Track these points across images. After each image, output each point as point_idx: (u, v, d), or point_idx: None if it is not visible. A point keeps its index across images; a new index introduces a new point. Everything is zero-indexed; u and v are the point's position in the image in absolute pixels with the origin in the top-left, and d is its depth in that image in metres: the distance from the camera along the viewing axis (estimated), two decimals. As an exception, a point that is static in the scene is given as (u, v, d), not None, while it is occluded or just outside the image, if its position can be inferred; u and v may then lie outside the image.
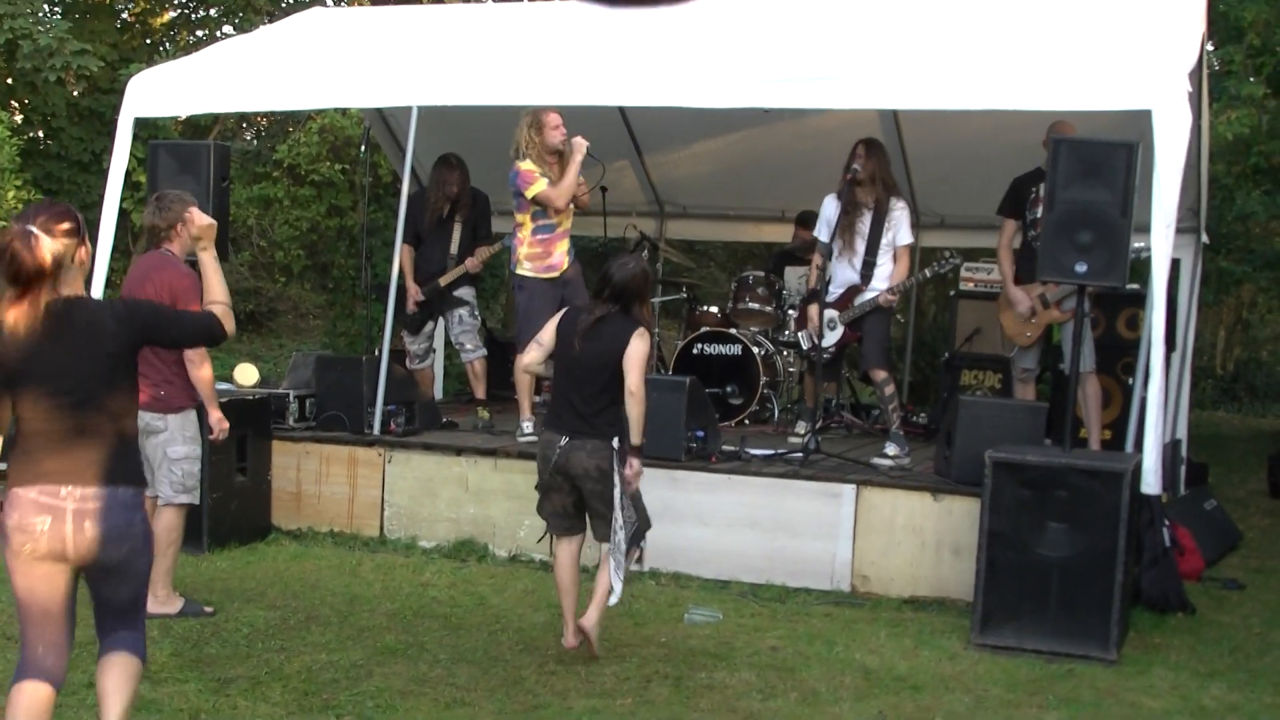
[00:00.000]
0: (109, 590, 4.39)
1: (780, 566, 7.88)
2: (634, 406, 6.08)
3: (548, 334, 6.35)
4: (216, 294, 4.72)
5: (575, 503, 6.31)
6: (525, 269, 9.09)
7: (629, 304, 6.21)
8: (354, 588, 7.53)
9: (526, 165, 8.91)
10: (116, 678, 4.40)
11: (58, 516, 4.18)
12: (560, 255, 9.15)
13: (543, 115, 8.95)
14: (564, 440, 6.16)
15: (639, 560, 6.55)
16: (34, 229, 4.14)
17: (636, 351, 6.09)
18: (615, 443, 6.12)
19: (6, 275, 4.17)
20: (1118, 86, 7.24)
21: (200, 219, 4.90)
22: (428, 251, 10.09)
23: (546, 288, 9.04)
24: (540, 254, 9.09)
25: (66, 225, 4.23)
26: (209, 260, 4.83)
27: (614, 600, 6.19)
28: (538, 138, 8.93)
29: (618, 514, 6.11)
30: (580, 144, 8.92)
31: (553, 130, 8.94)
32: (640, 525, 6.27)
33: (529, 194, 8.91)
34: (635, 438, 6.13)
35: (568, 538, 6.41)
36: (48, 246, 4.15)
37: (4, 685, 4.68)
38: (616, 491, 6.11)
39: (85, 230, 4.37)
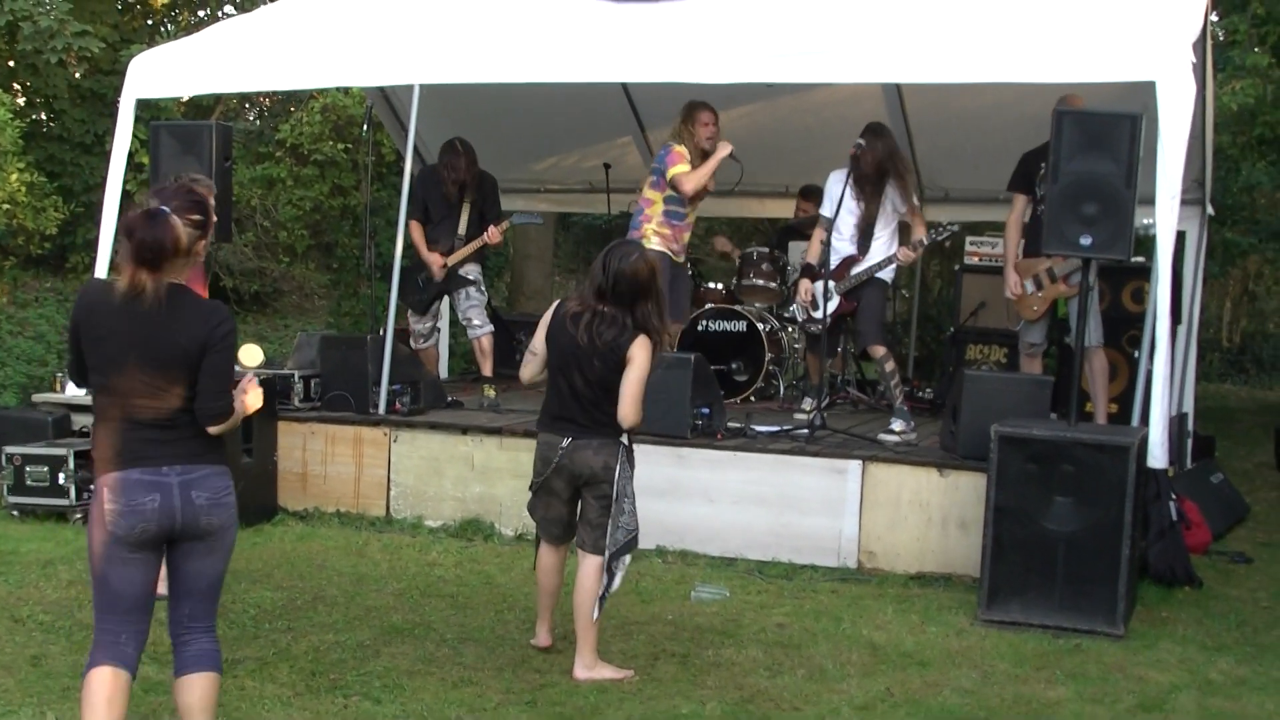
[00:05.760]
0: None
1: (786, 543, 7.88)
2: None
3: (540, 341, 5.85)
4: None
5: (570, 512, 5.92)
6: (654, 243, 9.27)
7: (630, 301, 5.65)
8: (360, 568, 7.53)
9: (680, 148, 9.24)
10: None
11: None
12: (683, 245, 9.59)
13: (697, 111, 9.32)
14: (566, 441, 5.74)
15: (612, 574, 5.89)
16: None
17: (633, 375, 5.62)
18: (624, 439, 5.75)
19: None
20: (1120, 58, 7.23)
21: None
22: (436, 233, 10.07)
23: (669, 265, 9.17)
24: (669, 237, 9.41)
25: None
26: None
27: (612, 589, 5.82)
28: (689, 130, 9.28)
29: (616, 515, 5.71)
30: (725, 146, 9.28)
31: (702, 127, 9.30)
32: (634, 533, 5.85)
33: (669, 174, 9.19)
34: None
35: (556, 545, 6.03)
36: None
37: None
38: (616, 489, 5.70)
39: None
